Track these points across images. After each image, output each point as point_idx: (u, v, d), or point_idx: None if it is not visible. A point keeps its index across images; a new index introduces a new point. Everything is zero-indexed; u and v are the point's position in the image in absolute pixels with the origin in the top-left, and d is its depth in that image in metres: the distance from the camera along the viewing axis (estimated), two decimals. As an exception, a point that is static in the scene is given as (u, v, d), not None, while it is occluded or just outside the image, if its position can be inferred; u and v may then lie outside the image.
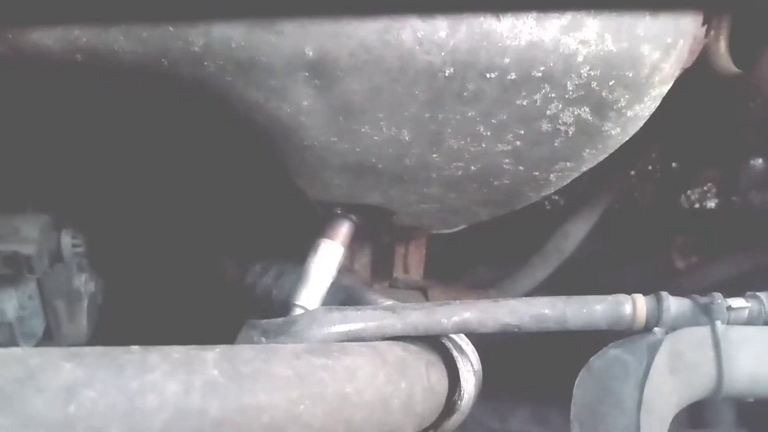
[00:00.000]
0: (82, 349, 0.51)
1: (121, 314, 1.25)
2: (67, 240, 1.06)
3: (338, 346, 0.68)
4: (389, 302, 1.01)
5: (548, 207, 1.64)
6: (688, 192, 1.56)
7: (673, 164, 1.47)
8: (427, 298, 1.31)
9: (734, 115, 1.05)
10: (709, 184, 1.46)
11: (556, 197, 1.67)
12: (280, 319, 0.80)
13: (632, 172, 1.60)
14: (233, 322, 0.91)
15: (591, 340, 0.80)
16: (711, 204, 1.53)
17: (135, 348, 0.54)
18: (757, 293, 0.74)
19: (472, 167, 0.89)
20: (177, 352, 0.54)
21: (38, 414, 0.46)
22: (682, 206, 1.56)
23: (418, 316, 0.75)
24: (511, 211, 1.05)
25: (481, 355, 0.91)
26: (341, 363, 0.63)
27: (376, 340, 0.75)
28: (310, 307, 0.96)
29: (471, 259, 1.44)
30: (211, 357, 0.55)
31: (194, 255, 1.31)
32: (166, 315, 1.25)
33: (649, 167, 1.60)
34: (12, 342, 1.05)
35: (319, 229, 1.06)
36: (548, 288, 1.42)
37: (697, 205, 1.55)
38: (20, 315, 1.05)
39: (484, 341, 0.91)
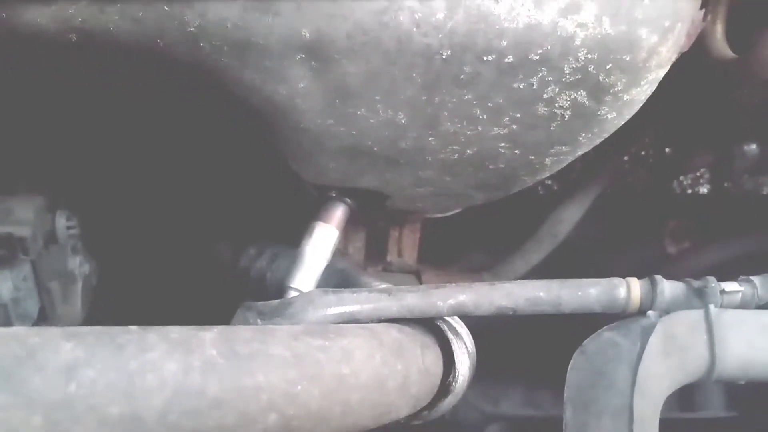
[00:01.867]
0: (81, 329, 0.51)
1: (116, 296, 1.24)
2: (61, 221, 1.05)
3: (335, 327, 0.69)
4: (384, 285, 1.02)
5: (542, 192, 1.65)
6: (681, 177, 1.57)
7: (667, 149, 1.48)
8: (420, 282, 1.32)
9: (729, 100, 1.05)
10: (702, 169, 1.47)
11: (550, 182, 1.67)
12: (276, 301, 0.80)
13: (625, 158, 1.60)
14: (227, 305, 0.91)
15: (582, 324, 0.81)
16: (704, 189, 1.54)
17: (133, 328, 0.54)
18: (751, 277, 0.75)
19: (468, 151, 0.89)
20: (175, 332, 0.54)
21: (38, 393, 0.46)
22: (675, 191, 1.57)
23: (414, 299, 0.75)
24: (506, 195, 1.06)
25: (474, 338, 0.92)
26: (338, 344, 0.63)
27: (372, 322, 0.76)
28: (305, 290, 0.96)
29: (465, 243, 1.44)
30: (209, 337, 0.55)
31: (188, 238, 1.30)
32: (160, 297, 1.25)
33: (642, 152, 1.61)
34: (7, 323, 1.05)
35: (314, 212, 1.06)
36: (542, 272, 1.43)
37: (689, 191, 1.56)
38: (15, 296, 1.05)
39: (476, 325, 0.91)
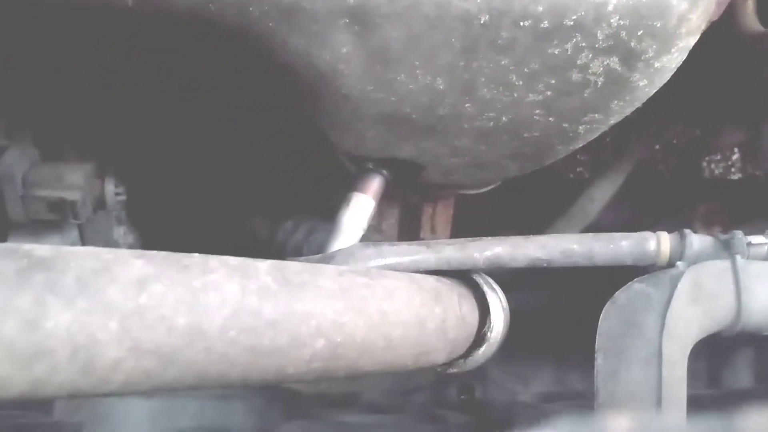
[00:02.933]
0: (149, 252, 0.56)
1: None
2: (110, 187, 1.10)
3: (377, 270, 0.72)
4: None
5: (572, 176, 1.66)
6: (712, 164, 1.58)
7: (697, 132, 1.49)
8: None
9: (759, 76, 1.07)
10: (732, 151, 1.48)
11: (581, 170, 1.69)
12: (317, 255, 0.84)
13: (657, 147, 1.62)
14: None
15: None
16: (734, 173, 1.55)
17: (195, 254, 0.58)
18: None
19: (504, 118, 0.92)
20: (233, 260, 0.59)
21: (113, 301, 0.50)
22: (705, 176, 1.58)
23: (451, 251, 0.78)
24: (540, 166, 1.08)
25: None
26: (381, 283, 0.66)
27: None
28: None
29: (496, 222, 1.47)
30: (263, 266, 0.59)
31: (225, 212, 1.34)
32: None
33: (674, 141, 1.62)
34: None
35: (350, 183, 1.10)
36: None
37: (717, 172, 1.57)
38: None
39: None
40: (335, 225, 1.05)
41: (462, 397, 1.37)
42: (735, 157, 1.57)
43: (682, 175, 1.59)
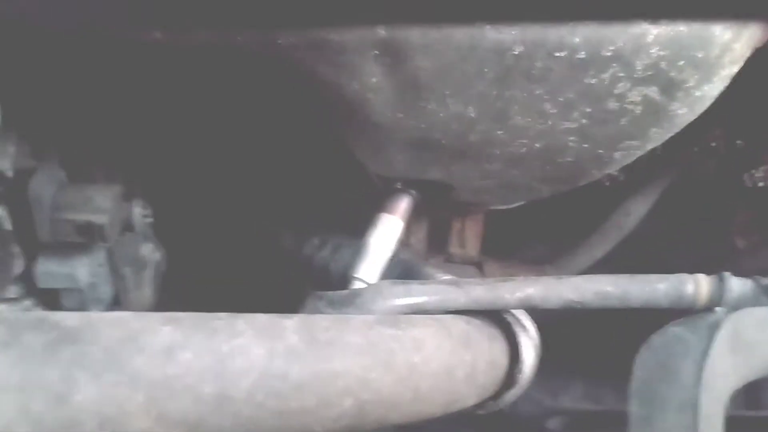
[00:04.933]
0: (177, 314, 0.55)
1: (184, 283, 1.29)
2: (137, 210, 1.10)
3: (406, 318, 0.71)
4: (446, 276, 1.04)
5: (607, 184, 1.62)
6: (752, 170, 1.53)
7: (738, 141, 1.44)
8: (482, 273, 1.33)
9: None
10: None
11: (616, 173, 1.65)
12: (345, 291, 0.83)
13: (695, 149, 1.57)
14: (290, 293, 0.94)
15: (643, 320, 0.81)
16: (777, 183, 1.49)
17: (223, 315, 0.57)
18: None
19: (537, 144, 0.90)
20: (260, 319, 0.58)
21: (140, 372, 0.50)
22: (745, 184, 1.53)
23: (481, 291, 0.77)
24: (572, 188, 1.06)
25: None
26: (409, 334, 0.65)
27: (439, 313, 0.78)
28: (369, 281, 0.99)
29: (528, 235, 1.45)
30: (291, 324, 0.59)
31: (253, 227, 1.34)
32: (226, 285, 1.30)
33: (713, 144, 1.57)
34: (83, 307, 1.10)
35: (379, 203, 1.08)
36: (606, 266, 1.42)
37: (760, 184, 1.52)
38: (91, 281, 1.09)
39: (537, 318, 0.92)
40: (363, 246, 1.04)
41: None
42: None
43: (721, 181, 1.54)
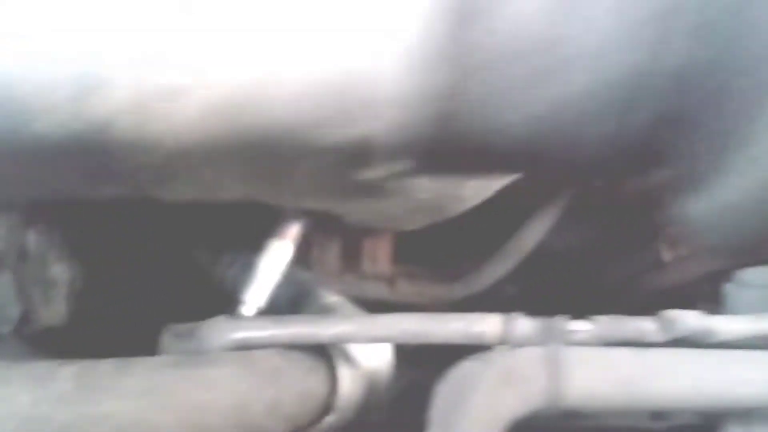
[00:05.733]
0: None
1: (101, 300, 1.34)
2: (32, 237, 1.15)
3: (209, 357, 0.78)
4: (335, 298, 1.10)
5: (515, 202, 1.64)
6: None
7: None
8: (394, 291, 1.38)
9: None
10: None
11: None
12: (189, 325, 0.89)
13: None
14: (207, 309, 1.00)
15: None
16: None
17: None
18: (598, 316, 0.78)
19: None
20: (37, 367, 0.66)
21: None
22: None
23: (300, 328, 0.83)
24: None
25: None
26: (201, 372, 0.72)
27: (268, 347, 0.84)
28: (256, 305, 1.05)
29: (441, 251, 1.48)
30: (66, 371, 0.66)
31: (169, 244, 1.39)
32: (145, 301, 1.35)
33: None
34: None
35: (270, 229, 1.14)
36: (527, 280, 1.45)
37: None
38: (-4, 303, 1.14)
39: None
40: (252, 271, 1.10)
41: None
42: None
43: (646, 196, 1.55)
